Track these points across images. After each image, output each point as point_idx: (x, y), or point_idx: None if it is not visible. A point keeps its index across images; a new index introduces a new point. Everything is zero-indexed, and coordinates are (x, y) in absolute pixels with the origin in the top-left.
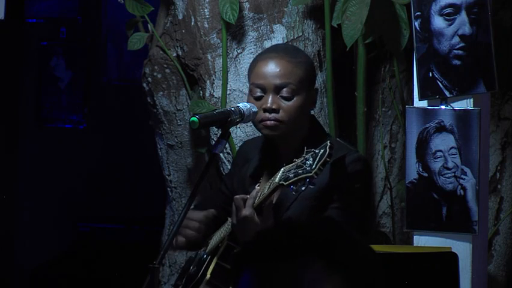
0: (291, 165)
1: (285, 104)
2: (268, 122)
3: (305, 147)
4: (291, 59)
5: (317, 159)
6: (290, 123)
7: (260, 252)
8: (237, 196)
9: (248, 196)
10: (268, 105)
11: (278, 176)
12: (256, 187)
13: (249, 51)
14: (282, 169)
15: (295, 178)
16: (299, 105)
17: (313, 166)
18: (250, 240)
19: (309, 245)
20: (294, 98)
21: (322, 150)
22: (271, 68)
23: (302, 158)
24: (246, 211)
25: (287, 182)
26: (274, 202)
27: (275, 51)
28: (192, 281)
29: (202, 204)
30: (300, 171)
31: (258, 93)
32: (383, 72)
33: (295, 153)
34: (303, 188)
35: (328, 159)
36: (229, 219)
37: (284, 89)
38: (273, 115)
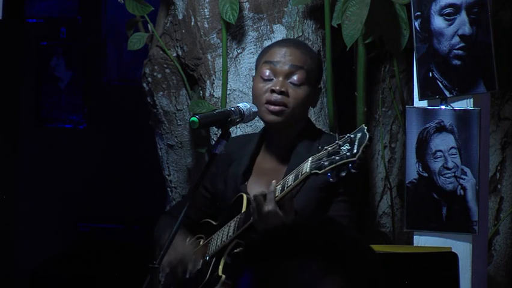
0: (320, 153)
1: (293, 89)
2: (272, 107)
3: (337, 136)
4: (304, 51)
5: (357, 143)
6: (295, 110)
7: (260, 251)
8: (256, 193)
9: (267, 191)
10: (278, 87)
11: (308, 166)
12: (273, 182)
13: (249, 51)
14: (310, 158)
15: (334, 165)
16: (306, 95)
17: (355, 150)
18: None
19: (309, 245)
20: (302, 86)
21: (360, 134)
22: (286, 53)
23: (335, 145)
24: (269, 206)
25: (322, 170)
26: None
27: (290, 41)
28: (198, 284)
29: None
30: (338, 158)
31: (268, 74)
32: (383, 72)
33: (285, 150)
34: (343, 174)
35: (369, 142)
36: (226, 224)
37: (295, 76)
38: (280, 97)
